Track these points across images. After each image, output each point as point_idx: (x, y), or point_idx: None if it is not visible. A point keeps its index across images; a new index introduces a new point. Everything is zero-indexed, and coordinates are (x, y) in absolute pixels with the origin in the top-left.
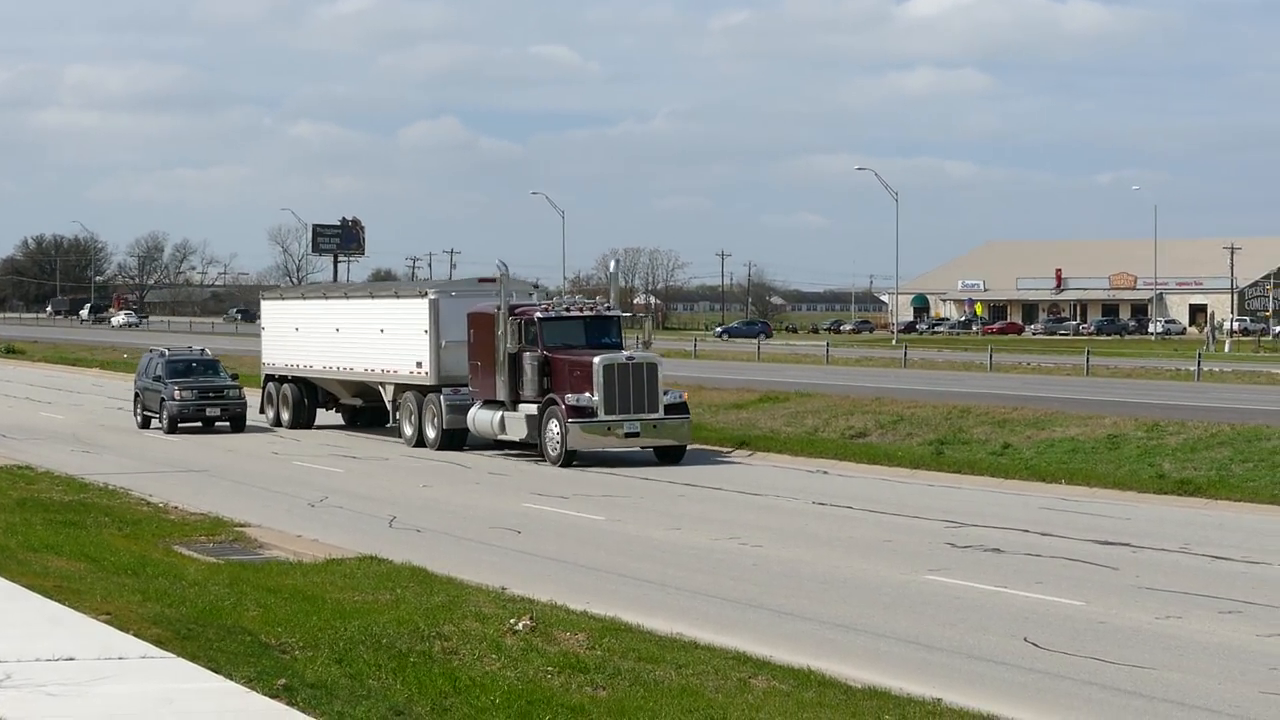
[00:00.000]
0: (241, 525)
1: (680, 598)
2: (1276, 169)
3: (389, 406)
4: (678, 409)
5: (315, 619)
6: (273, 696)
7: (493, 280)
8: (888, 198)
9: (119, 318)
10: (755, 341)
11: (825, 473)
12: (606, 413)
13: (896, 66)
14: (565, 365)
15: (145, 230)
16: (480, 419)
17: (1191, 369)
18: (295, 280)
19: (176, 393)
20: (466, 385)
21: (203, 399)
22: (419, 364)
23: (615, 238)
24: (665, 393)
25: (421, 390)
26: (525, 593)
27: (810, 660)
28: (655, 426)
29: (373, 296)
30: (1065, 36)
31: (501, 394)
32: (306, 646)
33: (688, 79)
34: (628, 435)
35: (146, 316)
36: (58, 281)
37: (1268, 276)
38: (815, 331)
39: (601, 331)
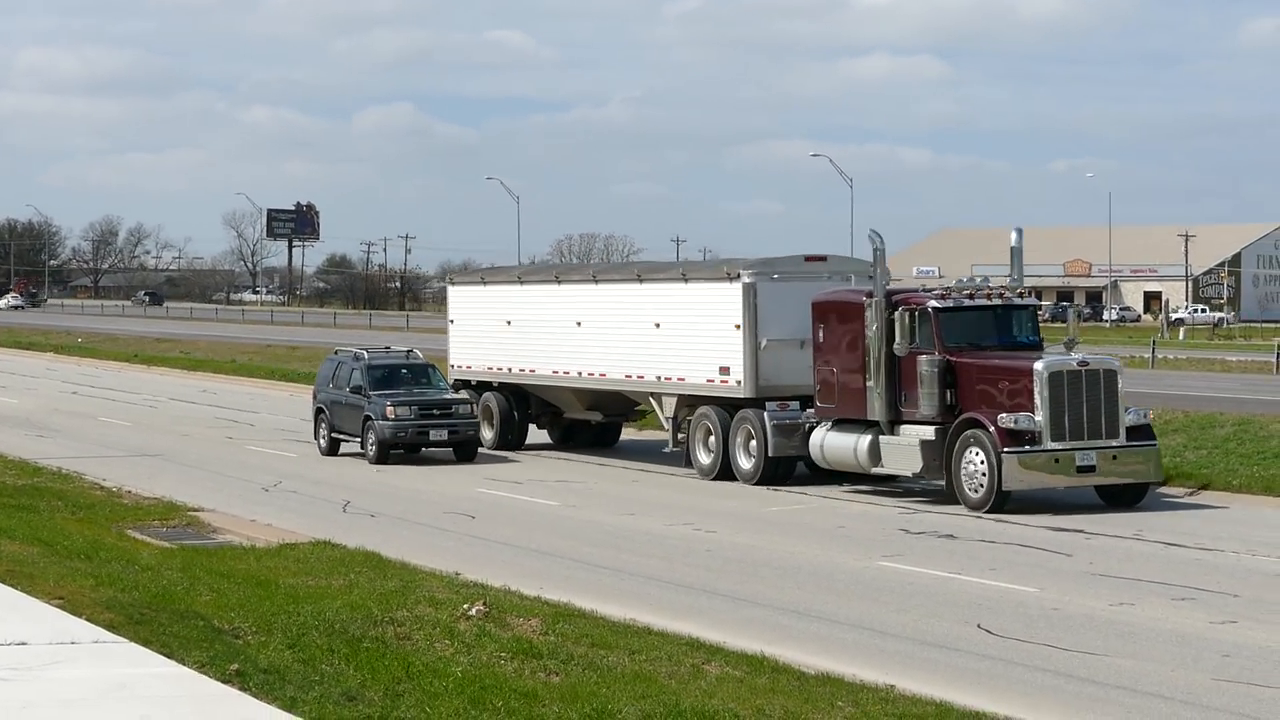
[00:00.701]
0: (195, 510)
1: (634, 583)
2: (1230, 157)
3: (665, 424)
4: (1142, 433)
5: (268, 604)
6: (225, 681)
7: (822, 259)
8: (843, 184)
9: (3, 301)
10: None
11: None
12: (1054, 439)
13: (852, 53)
14: (984, 373)
15: (99, 214)
16: (834, 445)
17: (1146, 355)
18: (250, 266)
19: (389, 410)
20: (793, 399)
21: (425, 418)
22: (725, 370)
23: (570, 223)
24: (1126, 410)
25: (727, 405)
26: (479, 578)
27: (764, 646)
28: (1114, 457)
29: (641, 280)
30: (1021, 24)
31: (875, 411)
32: (259, 631)
33: (642, 65)
34: (1080, 470)
35: (42, 301)
36: (11, 266)
37: (1222, 264)
38: None
39: (1014, 327)
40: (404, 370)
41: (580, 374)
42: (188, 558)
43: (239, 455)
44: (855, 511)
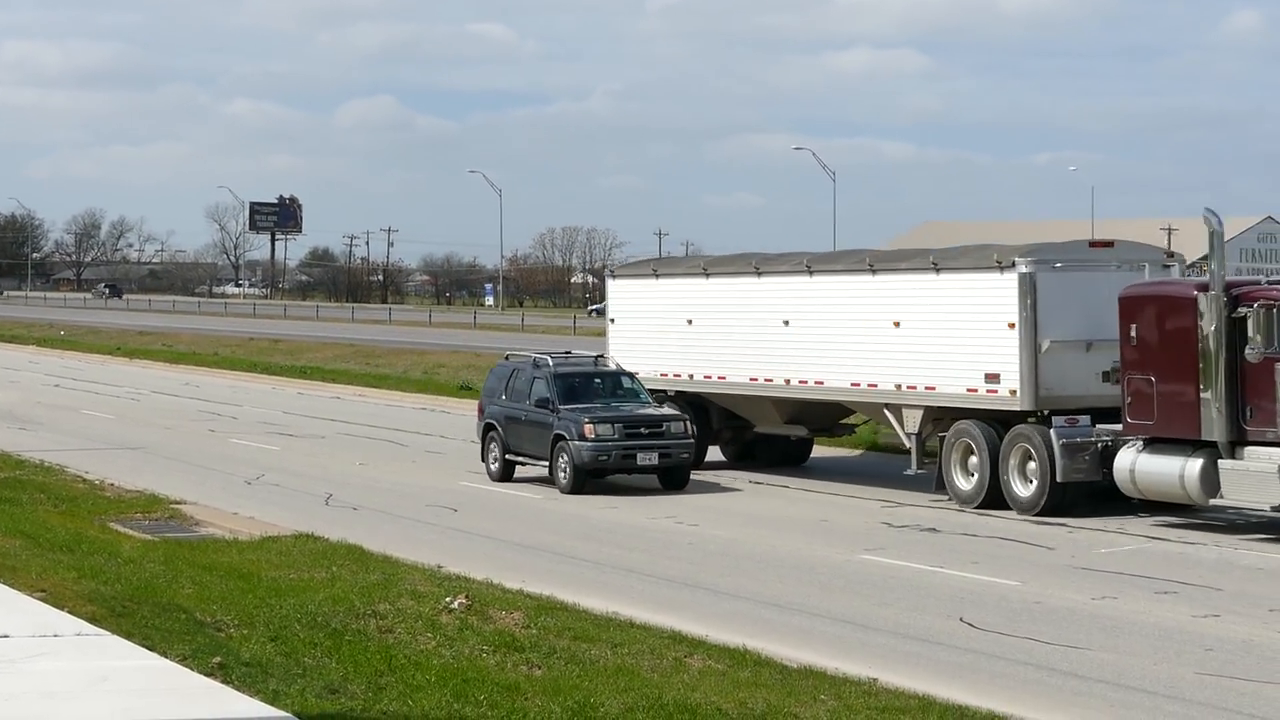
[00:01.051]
0: (177, 502)
1: (616, 577)
2: (1212, 150)
3: (906, 441)
4: None
5: (250, 597)
6: (208, 674)
7: (1108, 244)
8: (825, 178)
9: None
10: None
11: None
12: None
13: (834, 46)
14: None
15: (82, 207)
16: (1151, 470)
17: None
18: (232, 259)
19: (588, 428)
20: (1079, 412)
21: (631, 437)
22: (992, 378)
23: (553, 216)
24: None
25: (995, 420)
26: (461, 571)
27: (746, 640)
28: None
29: (875, 270)
30: (1003, 17)
31: (1211, 429)
32: (242, 624)
33: (625, 58)
34: None
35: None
36: None
37: (1205, 257)
38: None
39: None
40: (597, 380)
41: (788, 382)
42: (170, 550)
43: (222, 448)
44: (838, 504)
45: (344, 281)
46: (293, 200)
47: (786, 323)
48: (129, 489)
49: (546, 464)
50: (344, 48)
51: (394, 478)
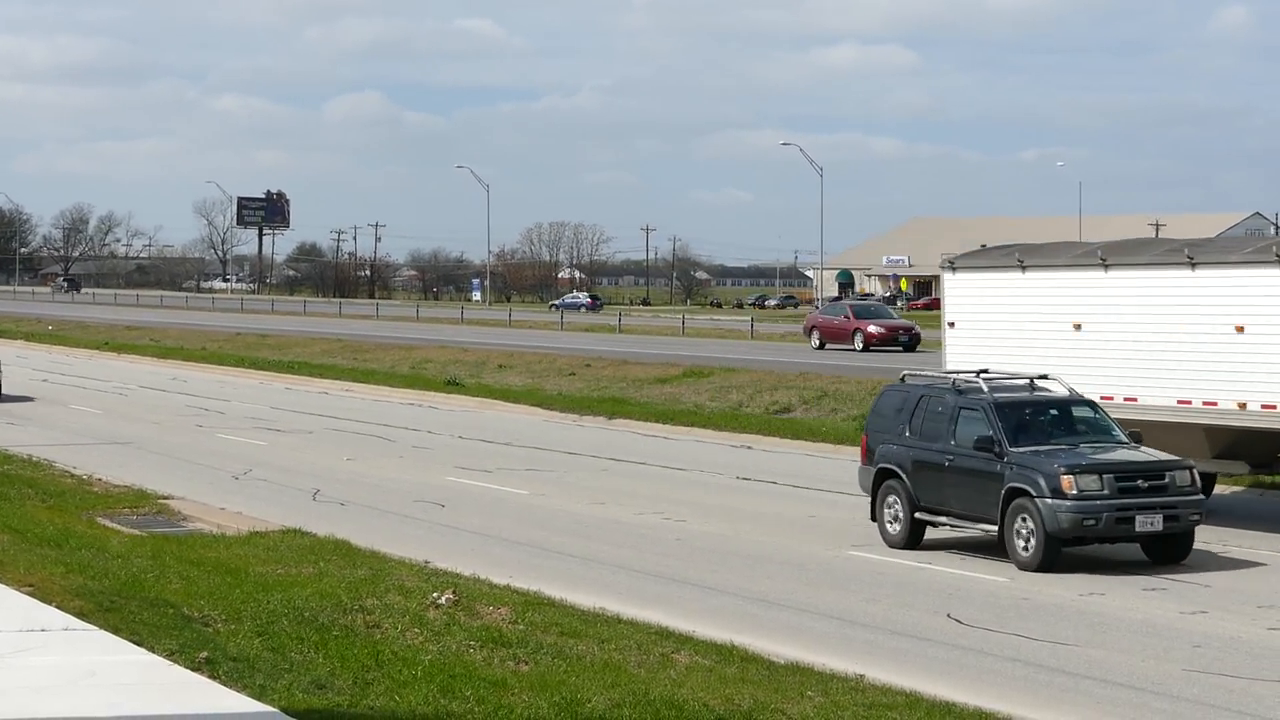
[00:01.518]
0: (165, 498)
1: (603, 572)
2: (1200, 146)
3: None
4: None
5: (238, 592)
6: (195, 669)
7: None
8: (813, 173)
9: None
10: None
11: (749, 448)
12: None
13: (821, 42)
14: None
15: (70, 202)
16: None
17: None
18: (220, 254)
19: (1067, 480)
20: None
21: (1128, 494)
22: None
23: (540, 211)
24: None
25: None
26: (448, 566)
27: (733, 636)
28: None
29: None
30: (990, 13)
31: None
32: (229, 619)
33: (612, 54)
34: None
35: None
36: None
37: None
38: (740, 306)
39: None
40: (1052, 410)
41: (1243, 406)
42: (157, 545)
43: (209, 443)
44: (825, 500)
45: (331, 277)
46: (280, 195)
47: (1240, 329)
48: (117, 484)
49: (988, 528)
50: (331, 43)
51: (381, 473)
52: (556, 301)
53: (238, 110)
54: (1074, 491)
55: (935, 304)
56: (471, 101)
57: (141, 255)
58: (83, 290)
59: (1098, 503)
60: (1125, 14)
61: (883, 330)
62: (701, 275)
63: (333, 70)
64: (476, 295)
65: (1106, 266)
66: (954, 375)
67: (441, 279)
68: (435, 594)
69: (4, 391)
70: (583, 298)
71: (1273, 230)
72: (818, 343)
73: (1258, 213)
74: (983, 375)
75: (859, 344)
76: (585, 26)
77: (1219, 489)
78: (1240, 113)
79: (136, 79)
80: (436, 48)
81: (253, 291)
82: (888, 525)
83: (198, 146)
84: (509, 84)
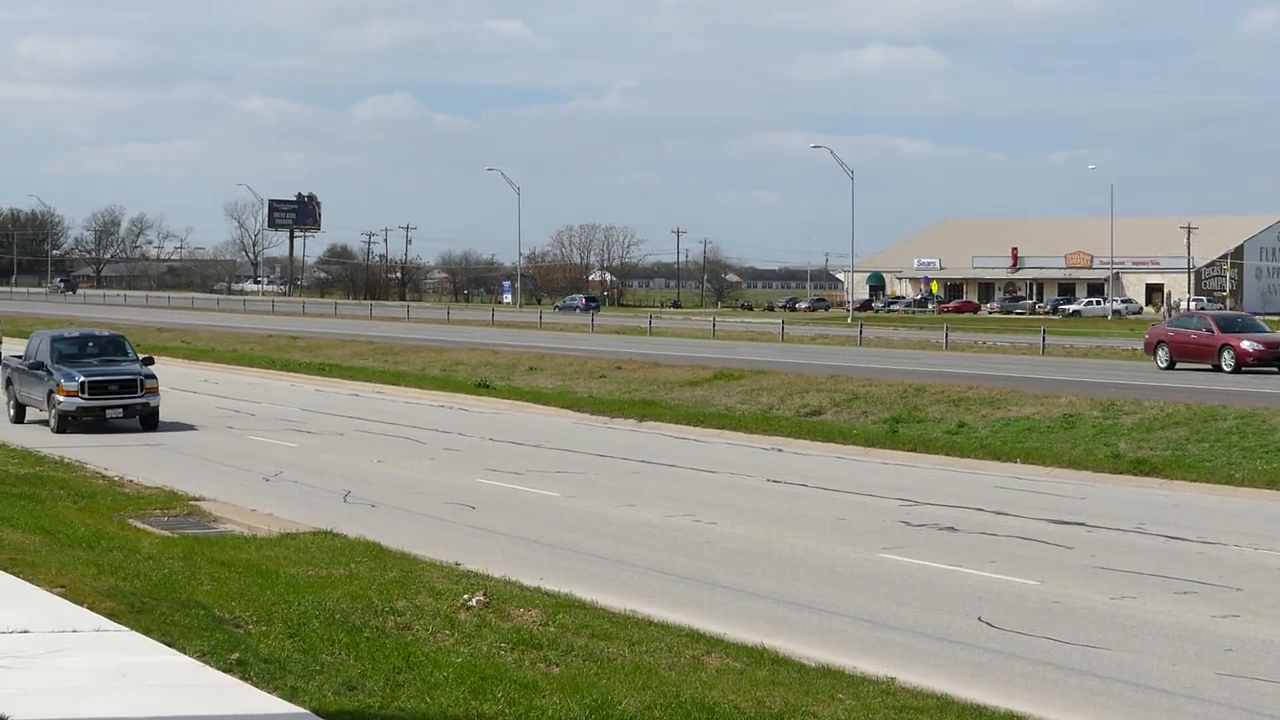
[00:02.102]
0: (196, 499)
1: (634, 575)
2: (1232, 148)
3: None
4: None
5: (269, 593)
6: (226, 671)
7: None
8: (843, 175)
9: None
10: (713, 318)
11: (780, 450)
12: None
13: (849, 44)
14: None
15: (101, 204)
16: None
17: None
18: (251, 256)
19: None
20: None
21: None
22: None
23: (570, 214)
24: None
25: None
26: (479, 568)
27: (764, 638)
28: None
29: None
30: (1018, 14)
31: None
32: (260, 621)
33: (640, 55)
34: None
35: None
36: (15, 256)
37: (1224, 256)
38: (771, 309)
39: None
40: None
41: None
42: (189, 547)
43: (240, 445)
44: (855, 503)
45: (362, 278)
46: (311, 198)
47: None
48: (148, 485)
49: None
50: (358, 45)
51: (412, 475)
52: (559, 304)
53: (265, 112)
54: None
55: (967, 306)
56: (500, 103)
57: (173, 257)
58: (78, 291)
59: None
60: (1153, 16)
61: (1261, 347)
62: (732, 278)
63: (360, 72)
64: (508, 297)
65: None
66: None
67: (472, 281)
68: (466, 596)
69: None
70: (579, 299)
71: None
72: (1166, 361)
73: None
74: None
75: (1228, 363)
76: (613, 28)
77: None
78: (1270, 113)
79: (163, 81)
80: (464, 49)
81: (284, 294)
82: None
83: (226, 148)
84: (537, 85)
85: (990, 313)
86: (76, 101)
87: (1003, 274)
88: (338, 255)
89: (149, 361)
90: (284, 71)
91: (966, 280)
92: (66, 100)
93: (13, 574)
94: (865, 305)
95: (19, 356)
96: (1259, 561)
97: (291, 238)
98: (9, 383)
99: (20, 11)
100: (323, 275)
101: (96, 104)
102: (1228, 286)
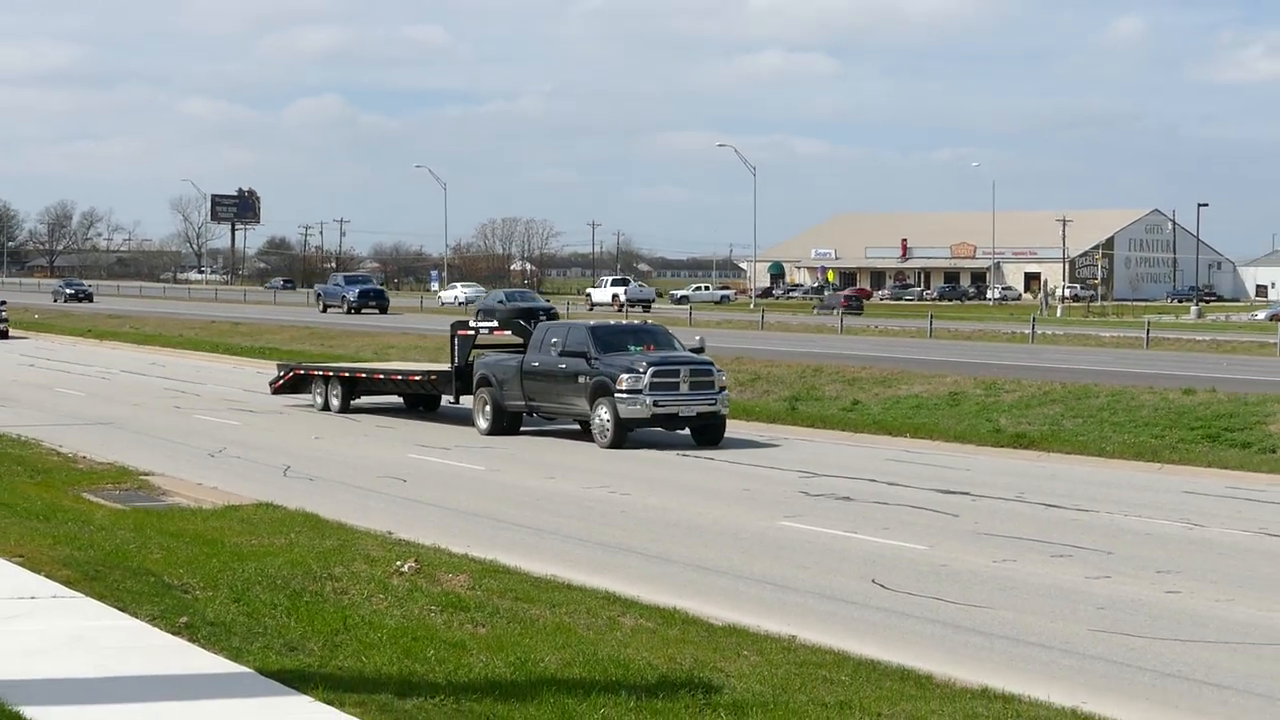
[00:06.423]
0: (146, 474)
1: (554, 542)
2: (1103, 146)
3: None
4: None
5: (214, 561)
6: (175, 633)
7: None
8: (745, 172)
9: None
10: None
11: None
12: None
13: (747, 50)
14: None
15: (54, 199)
16: None
17: (1027, 331)
18: (195, 247)
19: None
20: None
21: None
22: None
23: (492, 208)
24: None
25: None
26: (411, 537)
27: (675, 600)
28: None
29: None
30: (906, 22)
31: None
32: (206, 587)
33: (552, 61)
34: None
35: None
36: None
37: (1096, 247)
38: (682, 301)
39: None
40: None
41: None
42: (139, 518)
43: (186, 423)
44: (760, 475)
45: (300, 268)
46: (251, 193)
47: None
48: (100, 461)
49: None
50: (288, 50)
51: (347, 450)
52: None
53: (205, 113)
54: None
55: (860, 294)
56: (423, 104)
57: (122, 249)
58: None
59: None
60: (1032, 23)
61: None
62: (643, 267)
63: (291, 75)
64: (435, 286)
65: None
66: None
67: (402, 270)
68: (399, 563)
69: None
70: (500, 294)
71: (1170, 226)
72: None
73: (1156, 209)
74: None
75: None
76: (527, 34)
77: None
78: (1136, 115)
79: (108, 83)
80: (387, 54)
81: (226, 283)
82: None
83: (170, 146)
84: (457, 88)
85: (882, 300)
86: (27, 102)
87: (893, 264)
88: (276, 247)
89: None
90: (220, 75)
91: (860, 269)
92: (18, 101)
93: None
94: (766, 293)
95: None
96: (1128, 527)
97: (233, 230)
98: None
99: None
100: (262, 265)
101: (47, 105)
102: (1099, 275)
